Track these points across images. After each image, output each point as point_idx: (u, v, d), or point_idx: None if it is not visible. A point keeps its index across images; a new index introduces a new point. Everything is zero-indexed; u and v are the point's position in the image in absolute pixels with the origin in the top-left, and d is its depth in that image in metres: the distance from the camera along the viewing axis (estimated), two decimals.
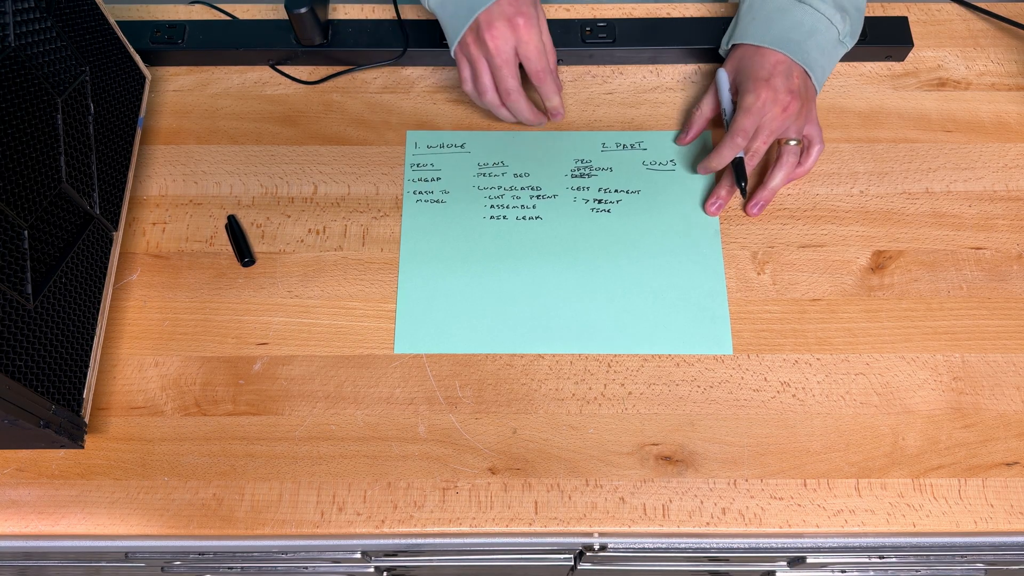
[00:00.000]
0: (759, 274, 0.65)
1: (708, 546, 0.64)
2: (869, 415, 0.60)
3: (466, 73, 0.65)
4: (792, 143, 0.66)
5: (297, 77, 0.75)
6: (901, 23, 0.74)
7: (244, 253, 0.66)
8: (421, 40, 0.73)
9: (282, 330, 0.64)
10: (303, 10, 0.69)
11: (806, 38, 0.65)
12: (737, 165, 0.65)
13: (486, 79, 0.64)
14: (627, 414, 0.61)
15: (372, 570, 0.75)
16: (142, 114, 0.70)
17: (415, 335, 0.64)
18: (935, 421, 0.60)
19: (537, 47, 0.63)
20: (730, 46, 0.69)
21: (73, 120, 0.59)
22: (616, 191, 0.69)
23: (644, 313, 0.64)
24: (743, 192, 0.65)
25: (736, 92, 0.67)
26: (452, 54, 0.65)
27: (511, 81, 0.63)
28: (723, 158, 0.65)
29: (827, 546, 0.66)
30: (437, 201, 0.69)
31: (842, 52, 0.68)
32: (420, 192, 0.69)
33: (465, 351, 0.63)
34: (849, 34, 0.66)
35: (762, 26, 0.66)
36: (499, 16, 0.61)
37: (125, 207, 0.66)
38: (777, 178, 0.66)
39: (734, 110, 0.66)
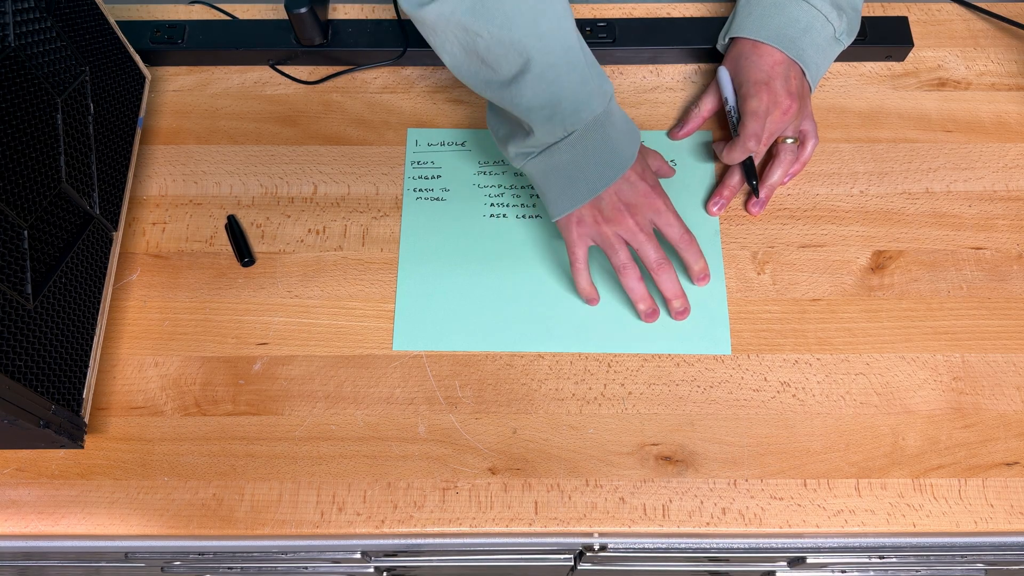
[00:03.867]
0: (759, 274, 0.65)
1: (708, 546, 0.64)
2: (869, 415, 0.60)
3: (581, 252, 0.61)
4: (789, 141, 0.67)
5: (297, 77, 0.75)
6: (901, 23, 0.74)
7: (244, 253, 0.66)
8: (421, 40, 0.73)
9: (282, 330, 0.64)
10: (303, 10, 0.69)
11: (801, 34, 0.65)
12: (748, 166, 0.66)
13: (624, 255, 0.60)
14: (627, 414, 0.61)
15: (372, 570, 0.75)
16: (142, 114, 0.70)
17: (414, 332, 0.64)
18: (935, 421, 0.60)
19: (675, 216, 0.60)
20: (727, 40, 0.69)
21: (73, 120, 0.59)
22: None
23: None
24: (755, 191, 0.66)
25: (736, 86, 0.67)
26: (555, 220, 0.61)
27: (660, 252, 0.60)
28: (734, 160, 0.65)
29: (827, 546, 0.66)
30: (437, 199, 0.69)
31: (838, 50, 0.68)
32: (420, 190, 0.69)
33: (464, 349, 0.63)
34: (845, 32, 0.67)
35: (758, 21, 0.66)
36: (634, 194, 0.59)
37: (125, 207, 0.66)
38: (775, 176, 0.67)
39: (738, 104, 0.66)
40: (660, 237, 0.62)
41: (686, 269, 0.63)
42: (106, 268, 0.63)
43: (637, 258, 0.62)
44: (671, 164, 0.70)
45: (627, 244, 0.61)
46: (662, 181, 0.65)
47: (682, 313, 0.62)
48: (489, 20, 0.55)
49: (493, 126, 0.64)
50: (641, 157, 0.61)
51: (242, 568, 0.75)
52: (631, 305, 0.64)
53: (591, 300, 0.63)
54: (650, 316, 0.63)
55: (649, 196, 0.60)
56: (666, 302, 0.62)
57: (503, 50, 0.56)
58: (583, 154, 0.58)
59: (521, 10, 0.55)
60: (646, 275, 0.62)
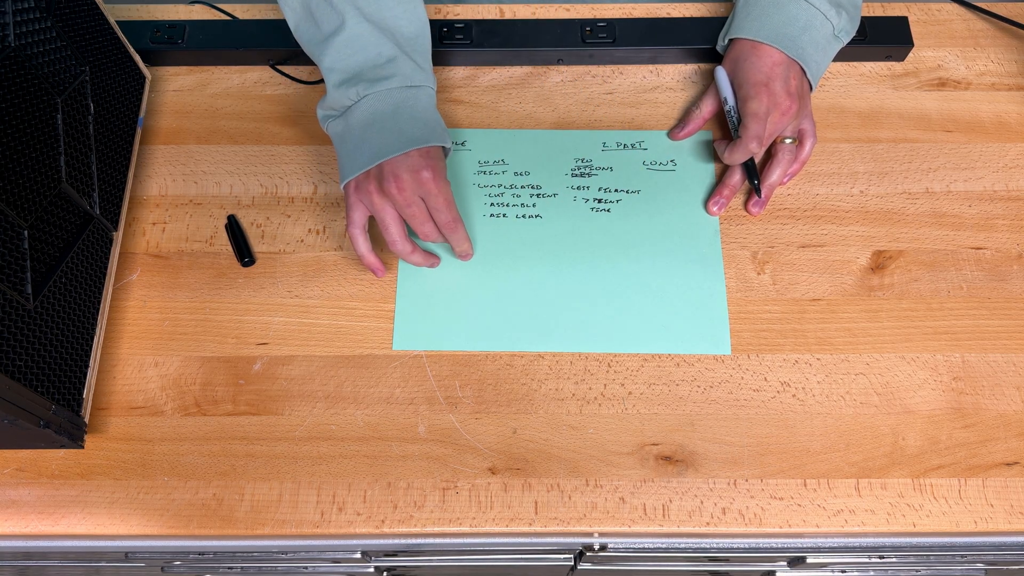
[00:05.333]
0: (759, 274, 0.65)
1: (708, 546, 0.64)
2: (869, 415, 0.60)
3: (357, 216, 0.61)
4: (788, 141, 0.67)
5: (297, 77, 0.75)
6: (901, 23, 0.74)
7: (244, 253, 0.66)
8: None
9: (282, 330, 0.64)
10: None
11: (800, 33, 0.65)
12: (749, 166, 0.66)
13: (394, 230, 0.60)
14: (627, 414, 0.61)
15: (372, 570, 0.75)
16: (142, 114, 0.70)
17: (414, 332, 0.64)
18: (935, 421, 0.60)
19: (448, 198, 0.60)
20: (727, 41, 0.69)
21: (73, 120, 0.59)
22: (616, 191, 0.69)
23: (643, 313, 0.64)
24: (758, 191, 0.66)
25: (736, 87, 0.67)
26: (342, 188, 0.62)
27: (430, 225, 0.60)
28: (735, 161, 0.65)
29: (827, 546, 0.66)
30: None
31: (837, 47, 0.68)
32: None
33: (463, 349, 0.63)
34: (844, 29, 0.67)
35: (757, 21, 0.66)
36: (406, 168, 0.59)
37: (125, 207, 0.66)
38: (775, 175, 0.67)
39: (737, 104, 0.66)
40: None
41: (453, 249, 0.64)
42: (106, 268, 0.63)
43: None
44: (671, 164, 0.70)
45: (400, 219, 0.60)
46: (664, 182, 0.66)
47: (466, 255, 0.64)
48: None
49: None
50: (438, 157, 0.61)
51: (242, 568, 0.75)
52: (631, 305, 0.64)
53: (374, 268, 0.63)
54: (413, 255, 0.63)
55: (420, 174, 0.59)
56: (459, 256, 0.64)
57: (329, 8, 0.61)
58: (371, 123, 0.60)
59: None
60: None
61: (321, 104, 0.63)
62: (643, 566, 0.79)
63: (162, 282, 0.66)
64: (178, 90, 0.74)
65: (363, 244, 0.62)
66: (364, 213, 0.61)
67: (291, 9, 0.63)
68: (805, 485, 0.58)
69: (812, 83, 0.67)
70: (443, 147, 0.62)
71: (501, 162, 0.70)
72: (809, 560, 0.70)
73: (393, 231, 0.60)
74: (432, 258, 0.64)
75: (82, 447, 0.59)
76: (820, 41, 0.66)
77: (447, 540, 0.60)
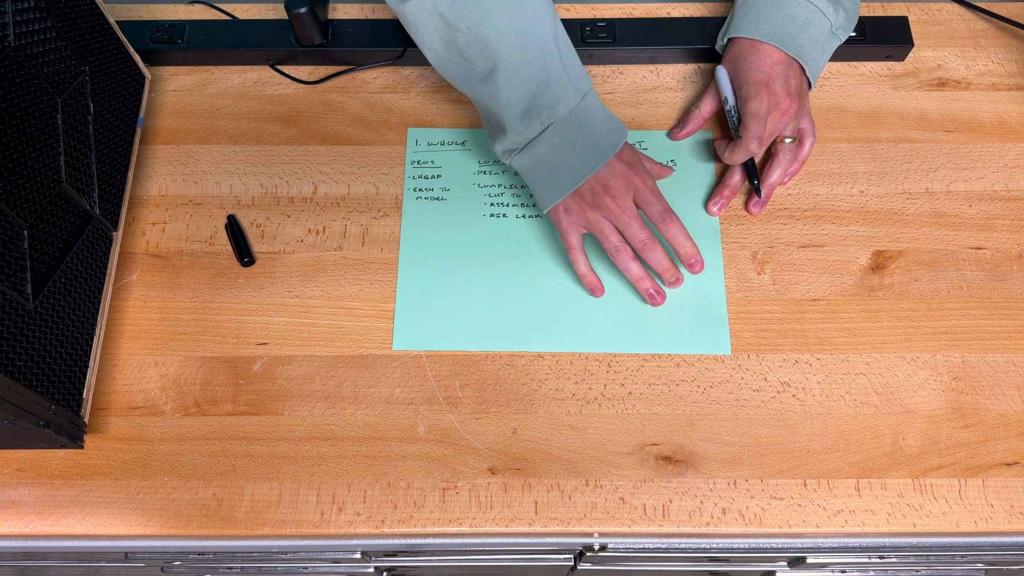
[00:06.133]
0: (759, 274, 0.65)
1: (708, 546, 0.64)
2: (869, 415, 0.60)
3: (575, 239, 0.62)
4: (788, 141, 0.67)
5: (297, 77, 0.75)
6: (901, 23, 0.74)
7: (244, 253, 0.66)
8: None
9: (282, 330, 0.64)
10: (303, 10, 0.69)
11: (799, 31, 0.65)
12: (749, 166, 0.66)
13: (615, 238, 0.61)
14: (627, 414, 0.61)
15: (372, 570, 0.75)
16: (142, 114, 0.70)
17: (414, 332, 0.64)
18: (935, 421, 0.60)
19: (657, 194, 0.61)
20: (726, 41, 0.69)
21: (73, 120, 0.59)
22: None
23: (643, 313, 0.64)
24: (757, 191, 0.66)
25: (735, 87, 0.67)
26: (545, 213, 0.63)
27: (645, 231, 0.61)
28: (735, 161, 0.65)
29: (827, 546, 0.66)
30: (437, 198, 0.69)
31: (835, 44, 0.68)
32: (420, 189, 0.69)
33: (463, 348, 0.63)
34: (843, 27, 0.66)
35: (755, 20, 0.66)
36: (613, 176, 0.60)
37: (125, 207, 0.66)
38: (774, 175, 0.67)
39: (737, 104, 0.66)
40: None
41: (675, 252, 0.63)
42: (106, 268, 0.63)
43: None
44: (671, 164, 0.70)
45: (616, 228, 0.61)
46: (661, 184, 0.66)
47: (676, 282, 0.63)
48: (467, 15, 0.57)
49: (485, 125, 0.65)
50: (632, 150, 0.62)
51: (242, 568, 0.76)
52: (631, 305, 0.64)
53: (593, 288, 0.63)
54: (654, 298, 0.63)
55: (626, 175, 0.60)
56: (658, 276, 0.63)
57: (480, 46, 0.58)
58: (561, 146, 0.60)
59: (498, 5, 0.57)
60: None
61: (500, 141, 0.62)
62: (643, 566, 0.79)
63: (162, 282, 0.66)
64: (178, 90, 0.74)
65: (584, 264, 0.63)
66: (580, 232, 0.62)
67: (432, 51, 0.61)
68: (805, 485, 0.58)
69: (811, 81, 0.67)
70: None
71: (501, 162, 0.70)
72: (809, 560, 0.70)
73: (614, 239, 0.61)
74: (673, 266, 0.62)
75: (82, 447, 0.59)
76: (819, 39, 0.66)
77: (447, 540, 0.60)
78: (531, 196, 0.69)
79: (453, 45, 0.59)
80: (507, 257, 0.66)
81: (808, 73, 0.66)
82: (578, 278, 0.64)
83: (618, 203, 0.60)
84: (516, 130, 0.60)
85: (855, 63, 0.75)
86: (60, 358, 0.56)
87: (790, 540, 0.63)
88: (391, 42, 0.74)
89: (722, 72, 0.68)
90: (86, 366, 0.59)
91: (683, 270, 0.63)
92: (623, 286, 0.65)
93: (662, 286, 0.63)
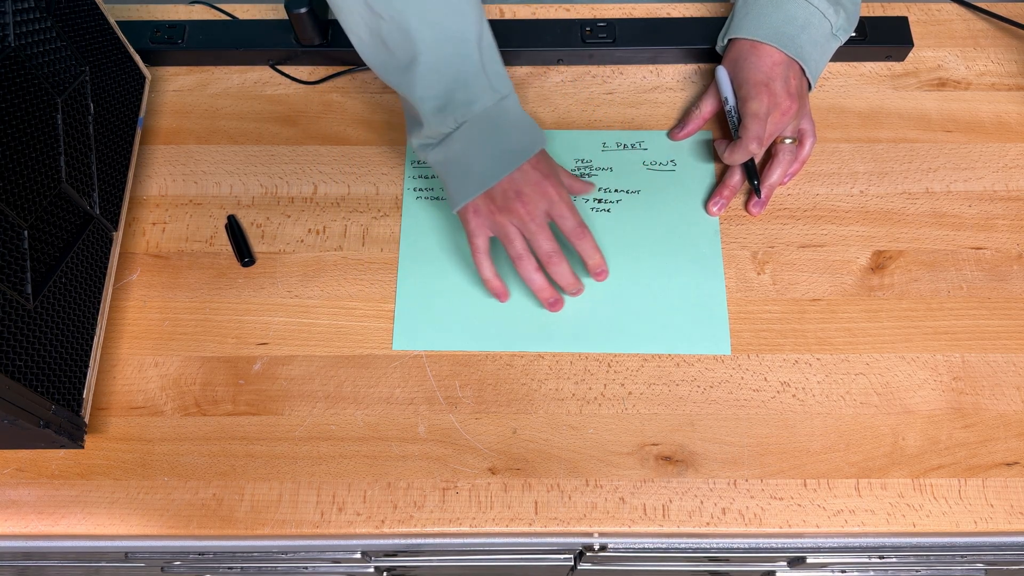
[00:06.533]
0: (759, 274, 0.65)
1: (708, 546, 0.64)
2: (869, 415, 0.60)
3: (481, 241, 0.61)
4: (788, 141, 0.67)
5: (297, 77, 0.75)
6: (901, 23, 0.74)
7: (244, 253, 0.66)
8: None
9: (282, 330, 0.64)
10: (303, 10, 0.69)
11: (799, 32, 0.65)
12: (749, 166, 0.66)
13: (519, 244, 0.60)
14: (627, 414, 0.61)
15: (372, 570, 0.75)
16: (142, 114, 0.70)
17: (414, 331, 0.64)
18: (935, 421, 0.60)
19: (570, 208, 0.60)
20: (726, 42, 0.69)
21: (73, 120, 0.59)
22: (616, 191, 0.69)
23: (643, 313, 0.64)
24: (757, 191, 0.66)
25: (736, 87, 0.67)
26: (455, 212, 0.61)
27: (552, 243, 0.60)
28: (735, 161, 0.65)
29: (827, 546, 0.66)
30: (437, 198, 0.69)
31: (835, 45, 0.68)
32: (420, 189, 0.69)
33: (463, 348, 0.63)
34: (843, 27, 0.66)
35: (755, 20, 0.66)
36: (527, 183, 0.59)
37: (125, 207, 0.66)
38: (775, 175, 0.67)
39: (737, 104, 0.66)
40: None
41: (582, 262, 0.62)
42: (106, 268, 0.63)
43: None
44: (671, 164, 0.70)
45: (523, 235, 0.60)
46: (662, 183, 0.65)
47: (577, 292, 0.63)
48: (390, 4, 0.56)
49: (406, 118, 0.64)
50: (547, 159, 0.61)
51: (242, 568, 0.76)
52: (631, 305, 0.64)
53: (498, 293, 0.63)
54: (553, 305, 0.63)
55: (541, 185, 0.59)
56: (560, 288, 0.62)
57: (401, 36, 0.57)
58: (474, 145, 0.59)
59: None
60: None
61: (416, 134, 0.61)
62: (643, 566, 0.79)
63: (162, 282, 0.66)
64: (178, 90, 0.74)
65: (488, 268, 0.62)
66: (487, 235, 0.61)
67: (357, 37, 0.60)
68: (805, 485, 0.58)
69: (811, 82, 0.67)
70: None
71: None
72: (809, 560, 0.70)
73: (518, 245, 0.60)
74: (576, 280, 0.62)
75: (82, 447, 0.59)
76: (819, 39, 0.66)
77: (447, 540, 0.60)
78: None
79: (377, 33, 0.58)
80: (507, 257, 0.66)
81: (808, 74, 0.66)
82: (482, 282, 0.63)
83: (528, 210, 0.59)
84: (431, 124, 0.59)
85: (855, 63, 0.75)
86: (60, 358, 0.56)
87: (790, 540, 0.63)
88: None
89: (722, 72, 0.68)
90: (86, 366, 0.59)
91: (678, 282, 0.64)
92: (623, 286, 0.65)
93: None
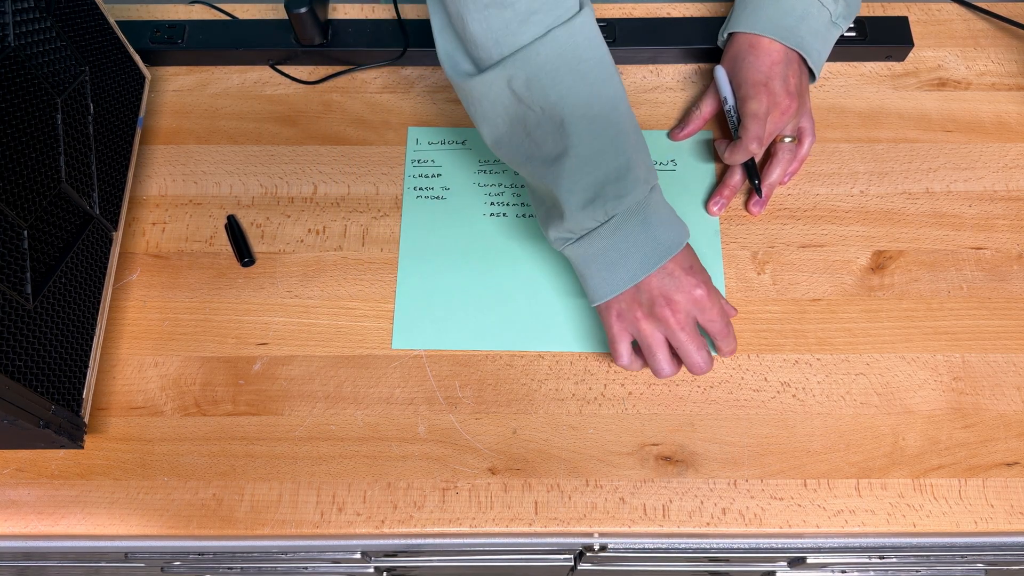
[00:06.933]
0: (759, 274, 0.65)
1: (708, 546, 0.64)
2: (869, 415, 0.60)
3: (625, 347, 0.58)
4: (787, 140, 0.67)
5: (297, 77, 0.75)
6: (901, 23, 0.74)
7: (244, 253, 0.66)
8: (421, 40, 0.73)
9: (282, 330, 0.64)
10: (303, 10, 0.69)
11: (798, 23, 0.65)
12: (750, 166, 0.66)
13: (663, 355, 0.57)
14: (627, 414, 0.61)
15: (372, 570, 0.75)
16: (142, 114, 0.70)
17: (413, 331, 0.64)
18: (935, 421, 0.60)
19: (720, 312, 0.57)
20: (726, 36, 0.69)
21: (73, 120, 0.59)
22: None
23: None
24: (758, 191, 0.66)
25: (735, 87, 0.67)
26: (594, 306, 0.58)
27: (703, 354, 0.57)
28: (735, 161, 0.65)
29: (827, 546, 0.66)
30: (437, 197, 0.69)
31: (836, 34, 0.67)
32: (420, 188, 0.69)
33: (463, 348, 0.63)
34: (842, 15, 0.66)
35: (754, 14, 0.66)
36: (677, 289, 0.55)
37: (125, 207, 0.66)
38: (774, 175, 0.67)
39: (737, 104, 0.66)
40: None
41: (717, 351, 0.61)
42: (106, 268, 0.63)
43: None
44: (671, 164, 0.70)
45: (667, 345, 0.57)
46: (662, 183, 0.65)
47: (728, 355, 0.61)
48: (543, 95, 0.53)
49: (537, 207, 0.61)
50: (691, 253, 0.58)
51: (242, 568, 0.76)
52: None
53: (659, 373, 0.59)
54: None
55: (691, 292, 0.56)
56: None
57: (552, 127, 0.54)
58: (623, 240, 0.56)
59: (578, 89, 0.53)
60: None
61: (555, 227, 0.57)
62: (643, 566, 0.79)
63: (162, 282, 0.66)
64: (178, 90, 0.74)
65: (640, 365, 0.59)
66: (629, 339, 0.58)
67: (493, 127, 0.57)
68: (805, 485, 0.58)
69: (815, 72, 0.67)
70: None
71: (501, 161, 0.70)
72: (809, 560, 0.70)
73: (660, 358, 0.57)
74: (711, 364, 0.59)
75: (82, 447, 0.58)
76: (819, 29, 0.66)
77: (447, 540, 0.60)
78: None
79: (521, 123, 0.55)
80: (507, 257, 0.66)
81: (810, 64, 0.66)
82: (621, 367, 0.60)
83: (678, 320, 0.56)
84: (576, 218, 0.55)
85: (855, 63, 0.75)
86: (60, 358, 0.56)
87: (790, 540, 0.63)
88: (391, 42, 0.74)
89: (721, 72, 0.68)
90: (86, 366, 0.59)
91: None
92: None
93: None
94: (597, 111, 0.54)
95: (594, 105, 0.54)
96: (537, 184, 0.58)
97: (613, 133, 0.55)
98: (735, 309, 0.62)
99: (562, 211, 0.56)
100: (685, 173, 0.70)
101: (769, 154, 0.68)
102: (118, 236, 0.65)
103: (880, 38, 0.74)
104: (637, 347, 0.59)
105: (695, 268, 0.57)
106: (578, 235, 0.57)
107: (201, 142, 0.72)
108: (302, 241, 0.67)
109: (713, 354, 0.60)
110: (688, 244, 0.58)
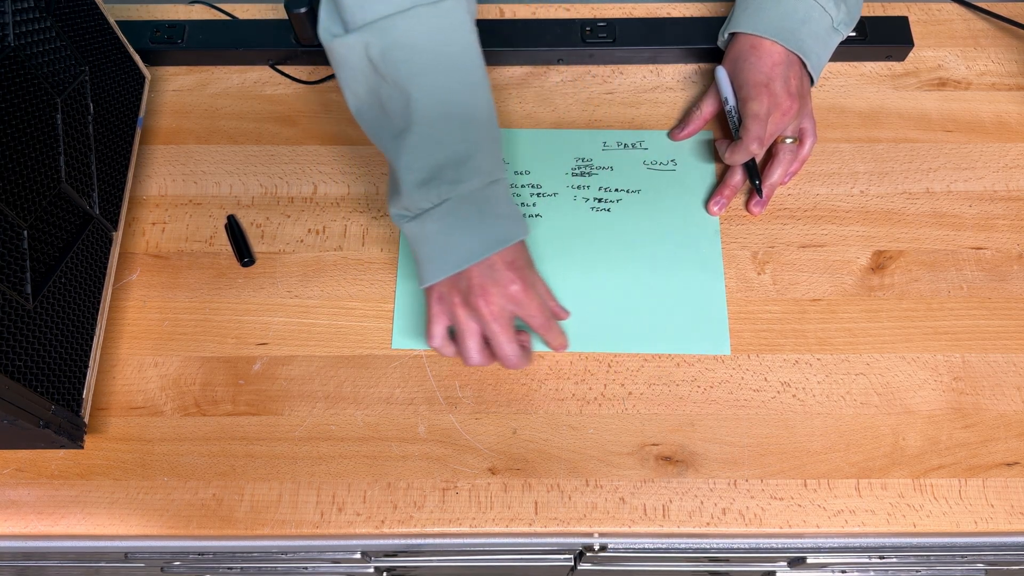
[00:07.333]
0: (759, 274, 0.65)
1: (708, 546, 0.64)
2: (869, 415, 0.60)
3: (439, 329, 0.58)
4: (788, 141, 0.67)
5: (297, 77, 0.75)
6: (901, 23, 0.74)
7: (244, 253, 0.66)
8: None
9: (282, 330, 0.64)
10: (303, 10, 0.69)
11: (799, 26, 0.65)
12: (750, 166, 0.66)
13: (472, 343, 0.57)
14: (627, 414, 0.61)
15: (372, 570, 0.75)
16: (142, 114, 0.70)
17: (413, 331, 0.64)
18: (935, 421, 0.60)
19: (538, 307, 0.57)
20: (727, 36, 0.69)
21: (73, 120, 0.59)
22: (616, 190, 0.69)
23: (643, 313, 0.64)
24: (759, 191, 0.66)
25: (736, 87, 0.67)
26: (422, 288, 0.58)
27: (512, 347, 0.57)
28: (736, 162, 0.65)
29: (827, 546, 0.66)
30: None
31: (837, 40, 0.68)
32: None
33: None
34: (844, 21, 0.66)
35: (755, 15, 0.66)
36: (494, 282, 0.56)
37: (125, 207, 0.66)
38: (775, 175, 0.67)
39: (738, 105, 0.66)
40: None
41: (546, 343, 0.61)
42: (106, 268, 0.63)
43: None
44: (671, 163, 0.70)
45: (481, 334, 0.57)
46: (664, 184, 0.65)
47: (560, 349, 0.61)
48: (396, 69, 0.54)
49: (389, 183, 0.61)
50: (521, 250, 0.58)
51: (242, 568, 0.76)
52: (631, 305, 0.64)
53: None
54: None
55: (508, 288, 0.56)
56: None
57: (402, 103, 0.55)
58: (453, 227, 0.56)
59: (432, 71, 0.54)
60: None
61: (394, 202, 0.58)
62: (643, 566, 0.79)
63: (162, 282, 0.66)
64: (178, 90, 0.74)
65: (451, 350, 0.59)
66: (446, 324, 0.58)
67: (354, 94, 0.57)
68: (805, 485, 0.58)
69: (813, 76, 0.67)
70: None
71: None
72: (809, 560, 0.70)
73: (471, 346, 0.57)
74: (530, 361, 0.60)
75: (82, 447, 0.58)
76: (820, 33, 0.66)
77: (447, 540, 0.60)
78: (532, 196, 0.69)
79: (376, 94, 0.55)
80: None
81: (810, 68, 0.66)
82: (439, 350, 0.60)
83: (492, 310, 0.56)
84: (411, 196, 0.56)
85: (855, 63, 0.75)
86: (60, 358, 0.56)
87: (790, 540, 0.63)
88: None
89: (722, 72, 0.68)
90: (86, 366, 0.59)
91: (683, 282, 0.62)
92: (623, 286, 0.65)
93: None
94: (449, 96, 0.55)
95: (447, 90, 0.55)
96: (388, 159, 0.58)
97: (462, 120, 0.55)
98: (566, 312, 0.63)
99: (399, 187, 0.56)
100: (685, 173, 0.70)
101: (770, 154, 0.68)
102: (118, 236, 0.65)
103: (880, 38, 0.74)
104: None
105: (518, 264, 0.57)
106: (413, 214, 0.57)
107: (201, 142, 0.72)
108: (302, 241, 0.67)
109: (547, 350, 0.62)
110: (522, 243, 0.58)
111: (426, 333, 0.59)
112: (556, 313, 0.62)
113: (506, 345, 0.57)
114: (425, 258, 0.57)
